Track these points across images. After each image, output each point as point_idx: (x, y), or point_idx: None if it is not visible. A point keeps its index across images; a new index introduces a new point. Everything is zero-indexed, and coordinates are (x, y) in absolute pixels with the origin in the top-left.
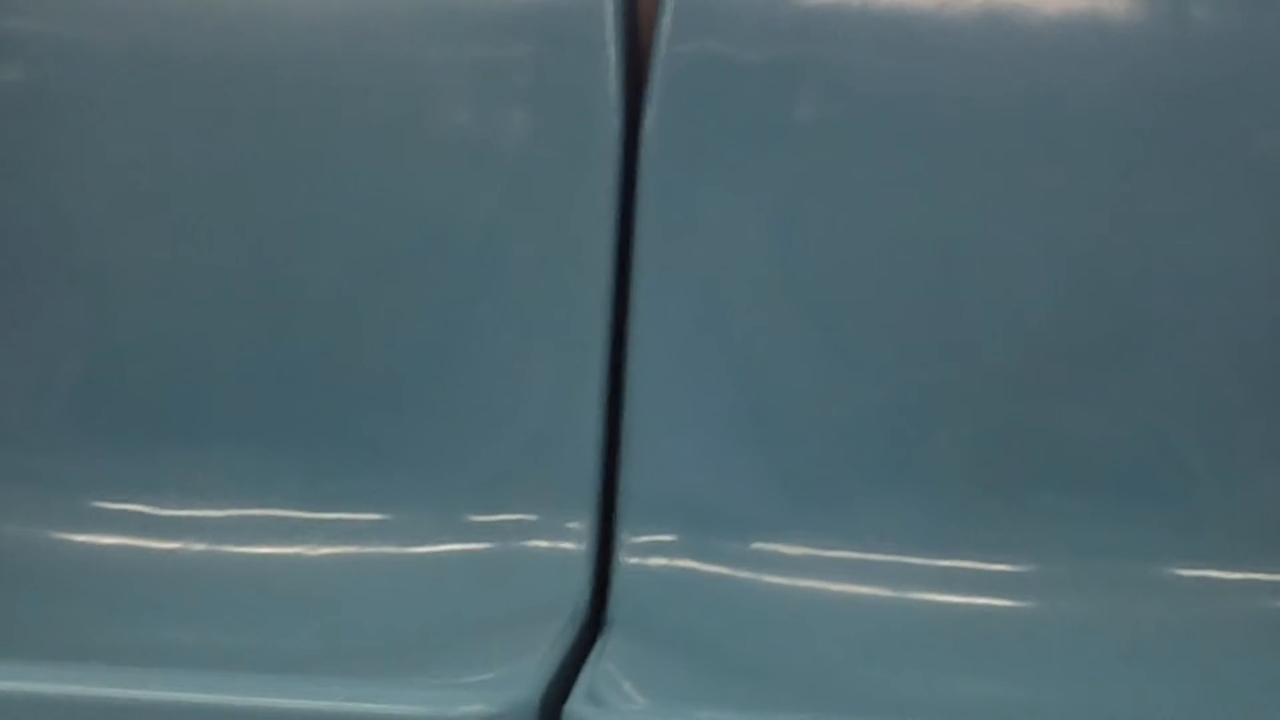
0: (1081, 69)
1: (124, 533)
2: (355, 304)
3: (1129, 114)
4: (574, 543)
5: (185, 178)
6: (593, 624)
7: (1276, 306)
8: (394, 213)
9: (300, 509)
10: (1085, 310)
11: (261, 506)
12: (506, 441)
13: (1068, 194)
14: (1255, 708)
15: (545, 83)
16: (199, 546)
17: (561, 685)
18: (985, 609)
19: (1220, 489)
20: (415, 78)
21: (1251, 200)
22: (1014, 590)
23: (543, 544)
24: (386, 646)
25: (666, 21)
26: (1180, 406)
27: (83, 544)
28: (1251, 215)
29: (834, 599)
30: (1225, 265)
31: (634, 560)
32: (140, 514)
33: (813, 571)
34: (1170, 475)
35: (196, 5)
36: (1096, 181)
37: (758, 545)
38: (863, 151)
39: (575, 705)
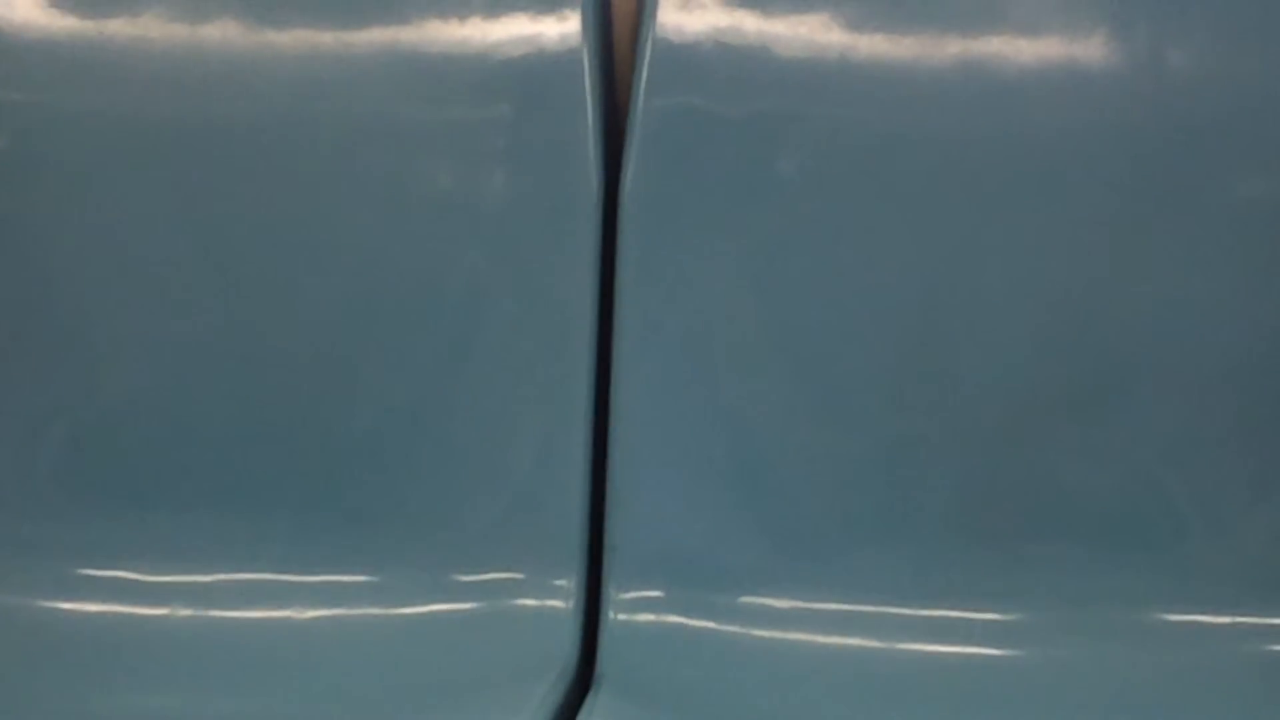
0: (1060, 116)
1: (110, 599)
2: (339, 366)
3: (1108, 160)
4: (561, 600)
5: (168, 242)
6: (581, 681)
7: (1261, 349)
8: (376, 274)
9: (287, 572)
10: (1070, 356)
11: (248, 570)
12: (492, 500)
13: (1050, 241)
14: None
15: (524, 142)
16: (186, 611)
17: None
18: (975, 658)
19: (1208, 533)
20: (395, 139)
21: (1232, 242)
22: (1004, 639)
23: (530, 602)
24: (375, 708)
25: (644, 77)
26: (1167, 451)
27: (69, 611)
28: (1232, 257)
29: (823, 651)
30: (1208, 308)
31: (622, 617)
32: (126, 580)
33: (801, 624)
34: (1158, 521)
35: (177, 71)
36: (1078, 228)
37: (746, 599)
38: (844, 203)
39: None
